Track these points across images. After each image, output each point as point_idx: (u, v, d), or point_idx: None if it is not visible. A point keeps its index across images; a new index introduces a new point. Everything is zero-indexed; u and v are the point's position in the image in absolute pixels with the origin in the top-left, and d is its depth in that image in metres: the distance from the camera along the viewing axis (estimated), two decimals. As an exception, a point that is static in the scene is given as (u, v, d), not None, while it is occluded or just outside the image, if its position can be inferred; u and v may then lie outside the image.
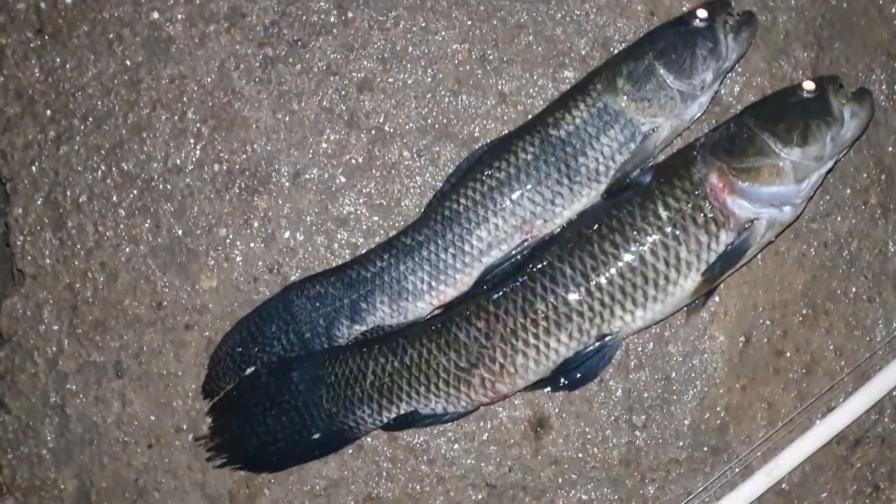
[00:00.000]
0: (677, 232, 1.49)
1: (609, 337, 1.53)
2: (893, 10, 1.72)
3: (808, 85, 1.52)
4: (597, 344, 1.53)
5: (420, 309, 1.61)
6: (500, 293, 1.54)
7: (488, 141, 1.65)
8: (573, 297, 1.50)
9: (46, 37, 1.71)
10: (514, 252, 1.58)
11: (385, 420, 1.58)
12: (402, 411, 1.57)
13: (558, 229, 1.58)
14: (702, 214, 1.49)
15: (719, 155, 1.50)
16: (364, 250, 1.66)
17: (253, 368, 1.62)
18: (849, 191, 1.70)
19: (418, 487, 1.68)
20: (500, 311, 1.53)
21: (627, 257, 1.50)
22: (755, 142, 1.49)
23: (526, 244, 1.59)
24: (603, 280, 1.50)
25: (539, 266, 1.53)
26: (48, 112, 1.71)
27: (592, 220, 1.54)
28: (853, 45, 1.71)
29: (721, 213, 1.49)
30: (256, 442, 1.60)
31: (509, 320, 1.52)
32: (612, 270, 1.50)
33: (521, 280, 1.53)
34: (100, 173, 1.71)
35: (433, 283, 1.60)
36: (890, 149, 1.71)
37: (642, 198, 1.52)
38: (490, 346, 1.53)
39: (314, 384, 1.59)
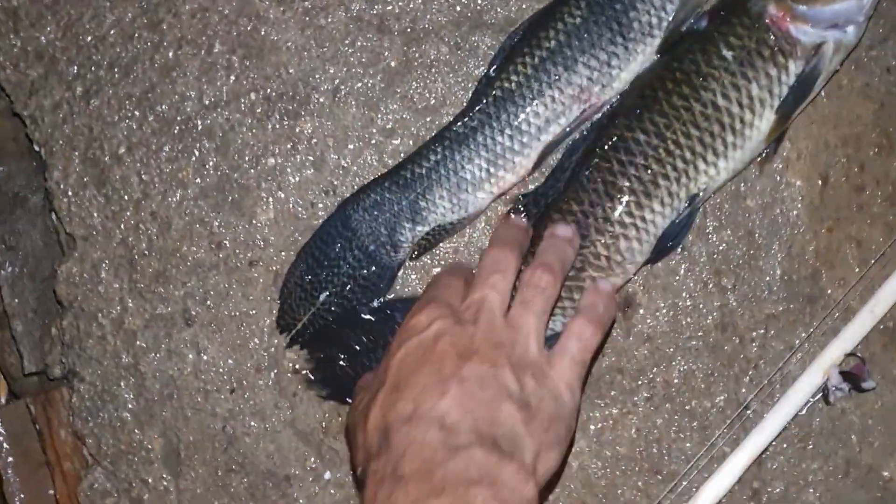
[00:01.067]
0: (745, 70, 1.43)
1: (698, 197, 1.47)
2: None
3: None
4: (688, 207, 1.47)
5: (481, 199, 1.55)
6: (579, 187, 1.47)
7: (531, 15, 1.58)
8: (654, 161, 1.44)
9: (58, -9, 1.66)
10: (572, 125, 1.53)
11: None
12: None
13: (617, 98, 1.53)
14: (767, 47, 1.43)
15: None
16: (417, 154, 1.60)
17: (327, 293, 1.57)
18: (903, 11, 1.65)
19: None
20: (585, 206, 1.46)
21: (699, 107, 1.43)
22: None
23: (584, 114, 1.53)
24: (680, 136, 1.44)
25: (610, 143, 1.47)
26: (72, 68, 1.65)
27: (654, 78, 1.48)
28: None
29: (786, 43, 1.43)
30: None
31: (598, 211, 1.46)
32: (687, 124, 1.44)
33: (595, 163, 1.47)
34: (135, 122, 1.65)
35: (492, 170, 1.53)
36: (938, -38, 1.65)
37: (702, 43, 1.46)
38: (590, 244, 1.47)
39: None
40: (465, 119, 1.54)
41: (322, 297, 1.57)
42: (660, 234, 1.47)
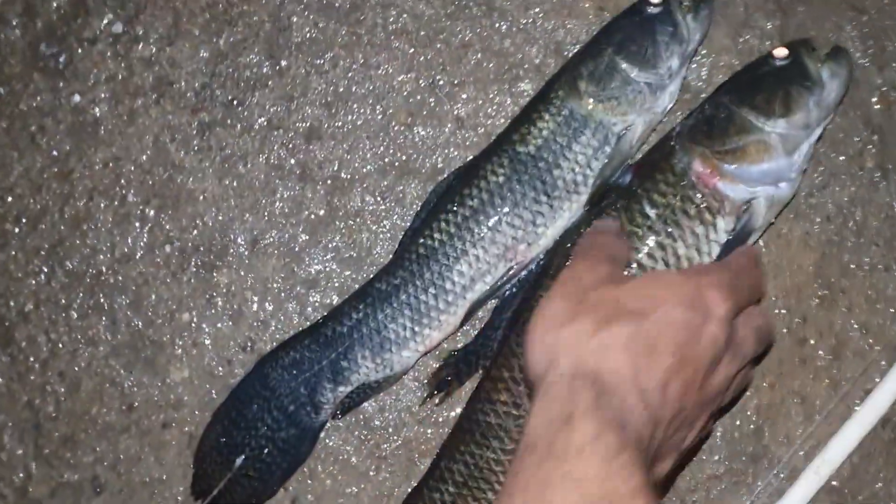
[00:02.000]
0: (669, 228, 1.37)
1: None
2: (851, -38, 1.63)
3: (780, 52, 1.41)
4: None
5: (406, 358, 1.48)
6: (510, 350, 1.39)
7: (453, 170, 1.53)
8: None
9: (-37, 141, 1.59)
10: (499, 282, 1.47)
11: None
12: None
13: (544, 256, 1.47)
14: (693, 205, 1.37)
15: (699, 140, 1.38)
16: (341, 308, 1.54)
17: (243, 457, 1.49)
18: (842, 157, 1.59)
19: None
20: (515, 372, 1.37)
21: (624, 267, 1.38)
22: (735, 119, 1.37)
23: (511, 272, 1.47)
24: None
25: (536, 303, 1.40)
26: (-23, 221, 1.59)
27: (577, 237, 1.42)
28: (816, 5, 1.62)
29: (714, 199, 1.37)
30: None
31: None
32: None
33: (523, 325, 1.39)
34: (43, 277, 1.57)
35: (416, 329, 1.47)
36: (876, 106, 1.61)
37: (626, 199, 1.40)
38: (525, 412, 1.33)
39: None
40: (389, 277, 1.48)
41: (238, 460, 1.49)
42: None
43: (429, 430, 1.57)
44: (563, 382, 1.01)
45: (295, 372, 1.48)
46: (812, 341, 1.57)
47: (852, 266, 1.58)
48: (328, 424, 1.54)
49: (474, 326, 1.53)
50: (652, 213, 1.39)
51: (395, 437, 1.57)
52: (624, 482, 0.91)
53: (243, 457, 1.49)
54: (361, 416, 1.56)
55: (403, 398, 1.57)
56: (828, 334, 1.57)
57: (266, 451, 1.49)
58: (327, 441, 1.56)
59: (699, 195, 1.38)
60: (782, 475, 1.54)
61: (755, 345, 1.24)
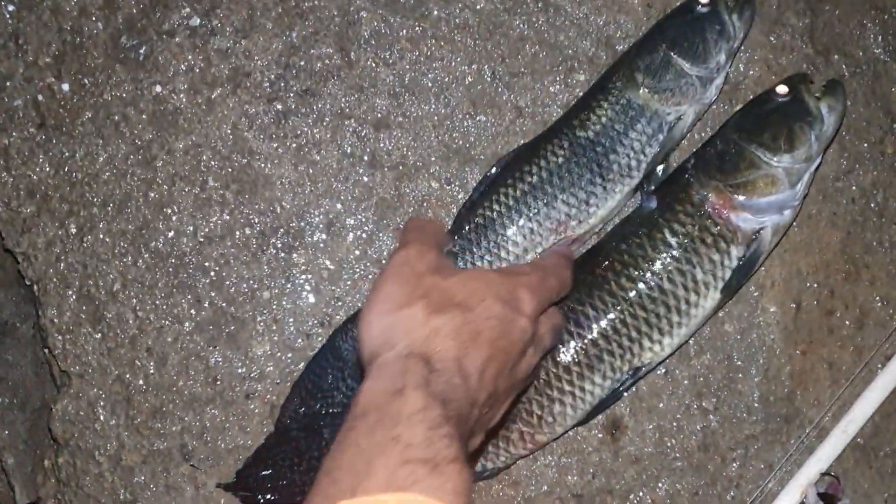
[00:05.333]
0: (689, 255, 1.50)
1: (642, 368, 1.54)
2: (875, -35, 1.77)
3: (781, 89, 1.54)
4: (630, 379, 1.54)
5: None
6: None
7: (513, 149, 1.64)
8: (600, 338, 1.51)
9: (50, 129, 1.67)
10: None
11: None
12: None
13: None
14: (709, 234, 1.51)
15: (713, 174, 1.52)
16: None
17: (327, 429, 1.59)
18: (865, 144, 1.74)
19: (507, 512, 1.67)
20: None
21: (646, 289, 1.51)
22: (745, 155, 1.50)
23: (561, 243, 1.59)
24: (626, 316, 1.51)
25: (561, 312, 1.52)
26: (65, 206, 1.66)
27: (604, 257, 1.55)
28: (842, 4, 1.76)
29: (727, 230, 1.51)
30: (283, 493, 1.57)
31: (541, 373, 1.52)
32: (634, 305, 1.51)
33: None
34: (129, 258, 1.66)
35: None
36: (896, 97, 1.76)
37: (648, 228, 1.53)
38: (526, 401, 1.52)
39: None
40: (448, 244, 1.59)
41: (327, 433, 1.59)
42: (596, 403, 1.54)
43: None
44: (398, 360, 1.11)
45: None
46: (838, 313, 1.72)
47: (874, 244, 1.74)
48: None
49: None
50: (673, 241, 1.52)
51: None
52: (445, 449, 1.01)
53: (327, 429, 1.58)
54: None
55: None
56: (853, 306, 1.73)
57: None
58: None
59: (715, 225, 1.51)
60: (813, 434, 1.69)
61: (552, 340, 1.36)
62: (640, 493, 1.68)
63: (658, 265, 1.50)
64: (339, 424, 1.55)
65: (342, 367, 1.60)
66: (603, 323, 1.50)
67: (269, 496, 1.58)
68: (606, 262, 1.52)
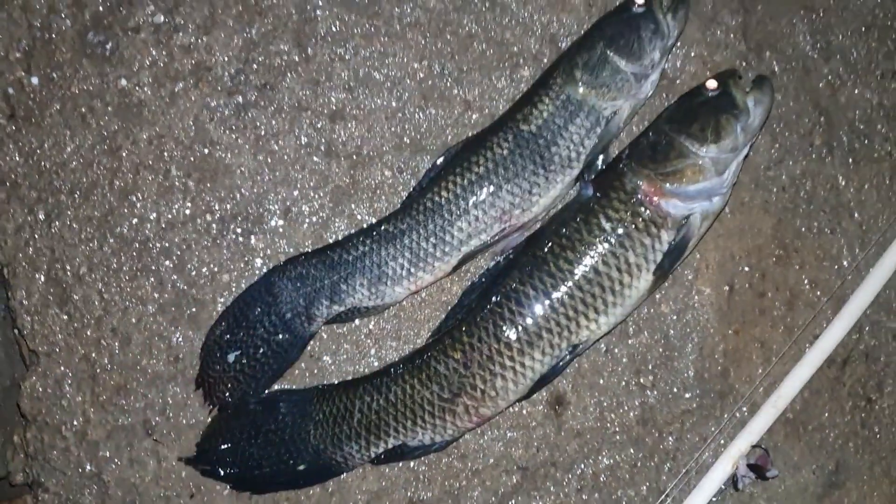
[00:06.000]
0: (622, 239, 1.60)
1: (579, 346, 1.63)
2: (804, -32, 1.88)
3: (711, 84, 1.64)
4: (569, 356, 1.63)
5: (397, 293, 1.69)
6: (472, 322, 1.62)
7: (461, 139, 1.74)
8: (539, 315, 1.60)
9: (19, 120, 1.75)
10: (491, 240, 1.68)
11: (373, 454, 1.66)
12: (391, 445, 1.65)
13: (511, 253, 1.68)
14: (640, 219, 1.60)
15: (645, 163, 1.61)
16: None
17: (238, 352, 1.66)
18: (795, 136, 1.85)
19: (456, 483, 1.76)
20: (474, 339, 1.61)
21: (582, 270, 1.60)
22: (674, 146, 1.60)
23: (504, 232, 1.68)
24: (564, 295, 1.60)
25: (503, 292, 1.62)
26: (33, 193, 1.75)
27: (544, 241, 1.64)
28: (774, 4, 1.86)
29: (658, 215, 1.60)
30: (241, 466, 1.66)
31: (484, 347, 1.61)
32: (571, 285, 1.59)
33: (488, 307, 1.62)
34: (95, 243, 1.74)
35: (412, 270, 1.67)
36: (823, 92, 1.86)
37: (585, 213, 1.62)
38: (469, 375, 1.61)
39: (302, 419, 1.66)
40: (396, 221, 1.68)
41: (232, 356, 1.67)
42: (537, 378, 1.62)
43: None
44: None
45: (299, 284, 1.67)
46: (769, 294, 1.83)
47: (804, 229, 1.84)
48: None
49: (460, 276, 1.77)
50: (607, 225, 1.61)
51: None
52: None
53: (238, 352, 1.67)
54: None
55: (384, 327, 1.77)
56: (783, 288, 1.83)
57: (261, 350, 1.67)
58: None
59: (646, 211, 1.61)
60: (745, 409, 1.79)
61: None
62: (583, 466, 1.78)
63: (593, 248, 1.59)
64: (296, 400, 1.67)
65: (271, 302, 1.67)
66: (542, 302, 1.59)
67: (228, 469, 1.67)
68: (546, 246, 1.61)
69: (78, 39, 1.76)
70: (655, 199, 1.60)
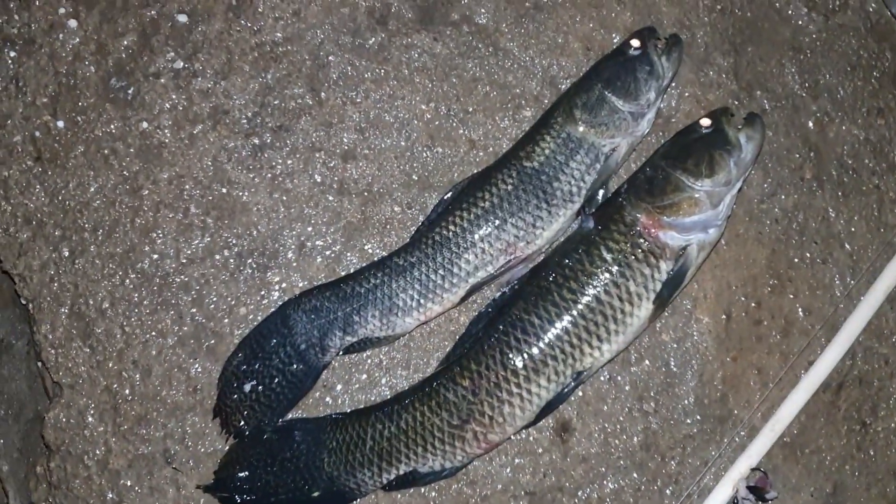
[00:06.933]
0: (623, 269, 1.67)
1: (584, 373, 1.69)
2: (790, 12, 1.98)
3: (705, 121, 1.73)
4: (573, 382, 1.69)
5: (407, 324, 1.76)
6: (479, 351, 1.69)
7: (468, 176, 1.82)
8: (544, 343, 1.66)
9: (45, 162, 1.83)
10: (498, 271, 1.75)
11: (385, 481, 1.71)
12: (402, 472, 1.70)
13: (516, 284, 1.75)
14: (640, 250, 1.68)
15: (643, 197, 1.69)
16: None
17: (254, 382, 1.72)
18: (786, 170, 1.93)
19: (465, 509, 1.81)
20: (482, 367, 1.68)
21: (585, 300, 1.67)
22: (670, 180, 1.68)
23: (510, 264, 1.76)
24: (568, 324, 1.66)
25: (509, 321, 1.69)
26: (58, 231, 1.82)
27: (548, 272, 1.71)
28: (763, 45, 1.96)
29: (657, 246, 1.68)
30: (258, 493, 1.71)
31: (491, 375, 1.67)
32: (574, 314, 1.66)
33: (495, 336, 1.69)
34: (117, 278, 1.82)
35: (422, 301, 1.75)
36: (813, 128, 1.95)
37: (587, 245, 1.70)
38: (478, 402, 1.67)
39: (316, 447, 1.72)
40: (406, 255, 1.75)
41: (248, 386, 1.72)
42: (543, 405, 1.69)
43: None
44: None
45: (313, 317, 1.74)
46: (765, 322, 1.90)
47: (797, 260, 1.92)
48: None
49: (466, 307, 1.83)
50: (608, 256, 1.69)
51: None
52: None
53: (254, 382, 1.72)
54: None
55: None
56: (778, 316, 1.90)
57: (276, 380, 1.73)
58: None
59: (645, 242, 1.68)
60: (744, 432, 1.85)
61: None
62: (588, 490, 1.83)
63: (595, 278, 1.67)
64: (310, 428, 1.73)
65: (287, 334, 1.74)
66: (547, 330, 1.66)
67: (245, 496, 1.72)
68: (550, 276, 1.69)
69: (101, 85, 1.85)
70: (654, 230, 1.67)
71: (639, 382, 1.86)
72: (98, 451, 1.79)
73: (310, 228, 1.85)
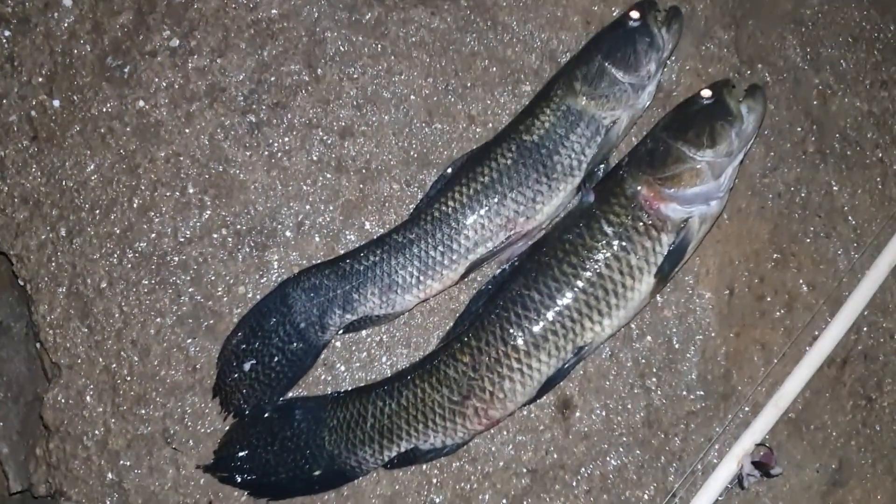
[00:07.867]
0: (623, 243, 1.66)
1: (584, 348, 1.68)
2: (792, -17, 1.96)
3: (706, 92, 1.71)
4: (574, 357, 1.68)
5: (407, 301, 1.74)
6: (479, 327, 1.68)
7: (467, 152, 1.80)
8: (545, 319, 1.65)
9: (42, 142, 1.82)
10: (498, 248, 1.74)
11: (386, 459, 1.70)
12: (403, 449, 1.69)
13: (516, 260, 1.74)
14: (641, 223, 1.66)
15: (644, 169, 1.67)
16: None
17: (254, 361, 1.71)
18: (788, 144, 1.91)
19: (467, 486, 1.80)
20: (482, 343, 1.66)
21: (586, 274, 1.65)
22: (671, 151, 1.66)
23: (510, 240, 1.74)
24: (568, 299, 1.65)
25: (509, 296, 1.67)
26: (55, 211, 1.81)
27: (548, 246, 1.70)
28: (764, 18, 1.94)
29: (658, 219, 1.66)
30: (258, 473, 1.70)
31: (491, 351, 1.66)
32: (575, 288, 1.65)
33: (495, 312, 1.67)
34: (115, 258, 1.81)
35: (421, 278, 1.73)
36: (814, 102, 1.93)
37: (587, 219, 1.68)
38: (478, 377, 1.66)
39: (316, 426, 1.71)
40: (405, 231, 1.73)
41: (247, 365, 1.71)
42: (544, 381, 1.67)
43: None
44: None
45: (312, 295, 1.72)
46: (768, 297, 1.88)
47: (800, 234, 1.90)
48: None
49: (466, 284, 1.82)
50: (609, 230, 1.67)
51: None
52: None
53: (254, 361, 1.72)
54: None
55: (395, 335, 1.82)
56: (781, 291, 1.88)
57: (276, 359, 1.72)
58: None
59: (646, 215, 1.67)
60: (748, 409, 1.83)
61: None
62: (591, 467, 1.82)
63: (596, 253, 1.65)
64: (310, 407, 1.72)
65: (286, 312, 1.72)
66: (547, 305, 1.65)
67: (245, 475, 1.72)
68: (550, 251, 1.67)
69: (98, 63, 1.84)
70: (655, 203, 1.66)
71: (641, 359, 1.84)
72: (97, 432, 1.78)
73: (308, 206, 1.84)
